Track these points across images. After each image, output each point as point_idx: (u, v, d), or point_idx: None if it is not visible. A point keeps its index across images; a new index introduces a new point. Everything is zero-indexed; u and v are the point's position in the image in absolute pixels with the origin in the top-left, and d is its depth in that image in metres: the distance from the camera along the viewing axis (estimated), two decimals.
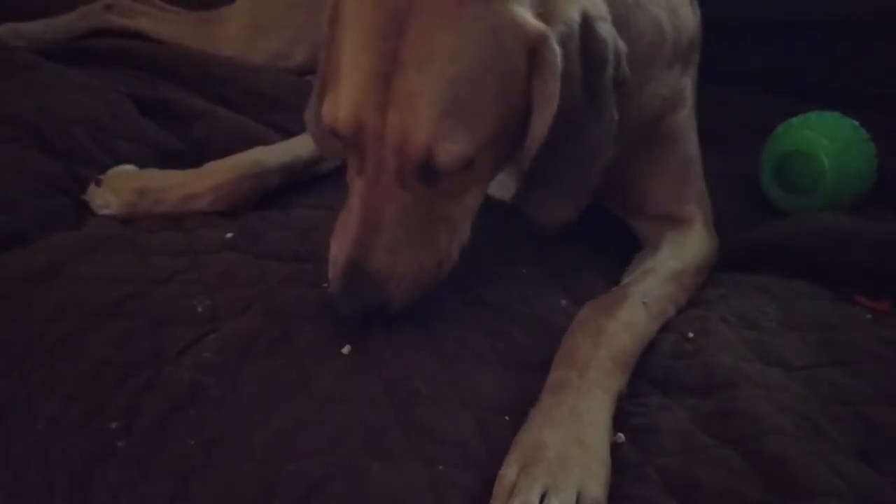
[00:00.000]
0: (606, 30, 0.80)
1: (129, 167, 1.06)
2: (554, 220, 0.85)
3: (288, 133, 1.19)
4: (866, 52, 1.41)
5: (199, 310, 0.84)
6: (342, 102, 0.77)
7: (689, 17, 1.03)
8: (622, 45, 0.82)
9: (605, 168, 0.84)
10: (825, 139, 1.14)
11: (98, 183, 1.02)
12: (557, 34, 0.76)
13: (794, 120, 1.18)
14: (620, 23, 0.86)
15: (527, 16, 0.76)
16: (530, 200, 0.83)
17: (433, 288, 0.83)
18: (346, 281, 0.78)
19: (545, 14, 0.77)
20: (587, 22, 0.79)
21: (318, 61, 0.88)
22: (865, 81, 1.40)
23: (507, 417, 0.75)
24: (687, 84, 1.05)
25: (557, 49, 0.76)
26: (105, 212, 1.01)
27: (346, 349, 0.79)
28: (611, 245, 1.04)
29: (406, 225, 0.78)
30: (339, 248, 0.80)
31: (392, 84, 0.74)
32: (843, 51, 1.43)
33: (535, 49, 0.76)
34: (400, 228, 0.78)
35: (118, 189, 1.01)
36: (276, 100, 1.33)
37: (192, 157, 1.13)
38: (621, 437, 0.74)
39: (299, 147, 1.09)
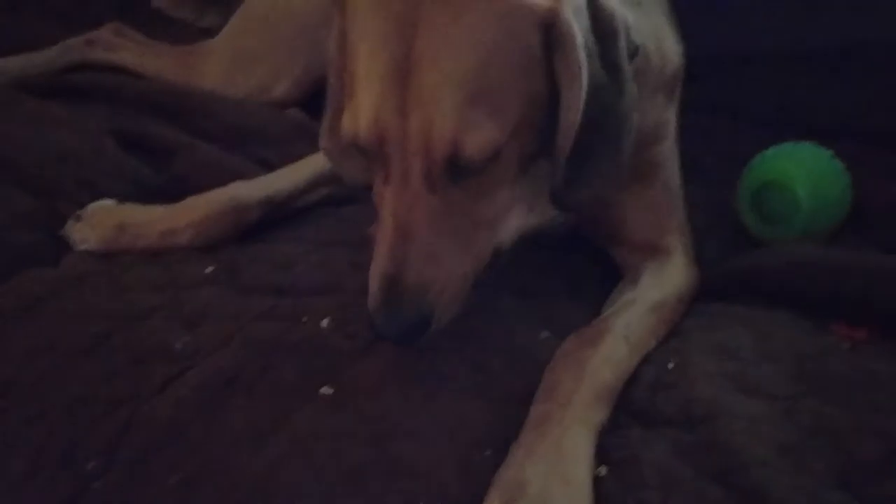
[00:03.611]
0: (610, 2, 0.80)
1: (109, 202, 1.05)
2: (586, 198, 0.84)
3: (269, 167, 1.19)
4: (841, 83, 1.43)
5: (178, 346, 0.84)
6: (361, 112, 0.75)
7: (673, 49, 1.04)
8: (627, 15, 0.82)
9: (632, 144, 0.82)
10: (800, 169, 1.15)
11: (77, 218, 1.02)
12: (569, 8, 0.76)
13: (770, 150, 1.19)
14: None
15: None
16: (568, 183, 0.80)
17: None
18: (383, 297, 0.74)
19: None
20: None
21: (329, 88, 0.88)
22: (840, 112, 1.41)
23: (488, 452, 0.74)
24: (671, 116, 1.06)
25: (572, 20, 0.75)
26: (84, 247, 1.00)
27: (324, 390, 0.78)
28: (591, 275, 1.05)
29: (439, 231, 0.76)
30: (374, 265, 0.77)
31: (409, 84, 0.73)
32: (818, 82, 1.45)
33: (549, 26, 0.76)
34: (433, 235, 0.75)
35: (97, 224, 1.01)
36: (258, 133, 1.34)
37: (172, 192, 1.12)
38: (603, 470, 0.74)
39: (280, 181, 1.10)
